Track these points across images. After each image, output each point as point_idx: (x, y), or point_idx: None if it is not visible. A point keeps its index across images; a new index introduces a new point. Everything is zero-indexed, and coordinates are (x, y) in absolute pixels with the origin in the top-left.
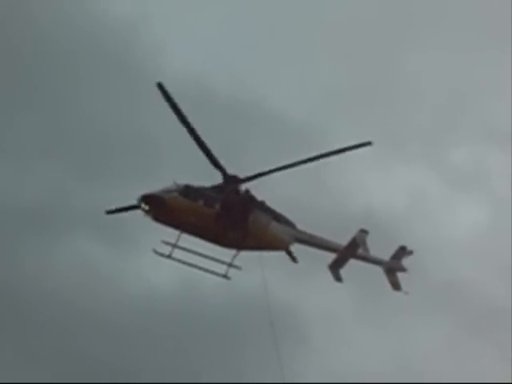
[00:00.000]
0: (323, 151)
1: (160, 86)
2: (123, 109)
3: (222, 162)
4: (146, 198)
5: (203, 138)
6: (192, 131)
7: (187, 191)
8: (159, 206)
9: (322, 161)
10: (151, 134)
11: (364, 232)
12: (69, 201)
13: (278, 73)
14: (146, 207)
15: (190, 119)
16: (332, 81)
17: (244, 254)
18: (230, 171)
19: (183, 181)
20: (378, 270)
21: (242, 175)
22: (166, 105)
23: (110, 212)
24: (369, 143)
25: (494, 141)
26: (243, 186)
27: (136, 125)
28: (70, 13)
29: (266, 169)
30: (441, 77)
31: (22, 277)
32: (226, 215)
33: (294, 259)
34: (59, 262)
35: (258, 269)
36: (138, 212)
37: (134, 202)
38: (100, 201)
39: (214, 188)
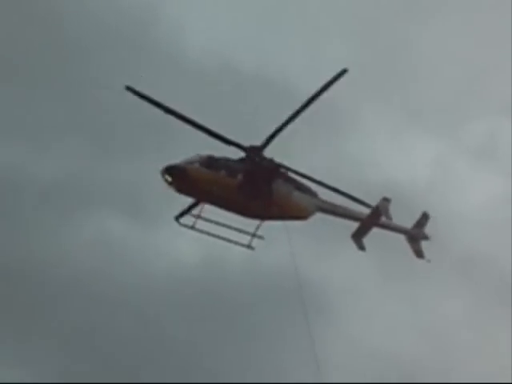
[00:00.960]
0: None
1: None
2: (144, 85)
3: (245, 137)
4: (169, 170)
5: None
6: (302, 109)
7: (210, 162)
8: (182, 177)
9: (344, 132)
10: (172, 106)
11: (386, 200)
12: (90, 176)
13: (300, 48)
14: (169, 178)
15: (212, 96)
16: (354, 56)
17: (266, 224)
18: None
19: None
20: (401, 238)
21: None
22: (185, 81)
23: (129, 89)
24: (373, 207)
25: (505, 116)
26: (265, 153)
27: (157, 96)
28: None
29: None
30: (458, 49)
31: (44, 252)
32: (249, 185)
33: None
34: (80, 237)
35: (280, 239)
36: (161, 184)
37: (152, 94)
38: (121, 176)
39: (238, 160)
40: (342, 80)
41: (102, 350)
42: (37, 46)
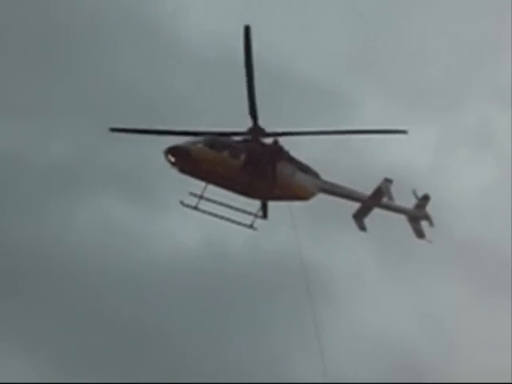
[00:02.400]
0: (357, 128)
1: (246, 29)
2: (145, 68)
3: (243, 122)
4: (172, 150)
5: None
6: (250, 76)
7: (213, 142)
8: (185, 158)
9: (344, 116)
10: (173, 91)
11: (388, 181)
12: (95, 158)
13: (300, 35)
14: (173, 159)
15: (212, 79)
16: (351, 41)
17: (269, 205)
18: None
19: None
20: (402, 219)
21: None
22: (186, 62)
23: (114, 130)
24: (404, 131)
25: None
26: (267, 140)
27: (157, 83)
28: None
29: (294, 129)
30: (457, 34)
31: (47, 233)
32: (252, 166)
33: (265, 215)
34: (84, 220)
35: (281, 219)
36: (164, 165)
37: (140, 125)
38: (125, 158)
39: (241, 141)
40: (342, 65)
41: (102, 332)
42: (41, 28)
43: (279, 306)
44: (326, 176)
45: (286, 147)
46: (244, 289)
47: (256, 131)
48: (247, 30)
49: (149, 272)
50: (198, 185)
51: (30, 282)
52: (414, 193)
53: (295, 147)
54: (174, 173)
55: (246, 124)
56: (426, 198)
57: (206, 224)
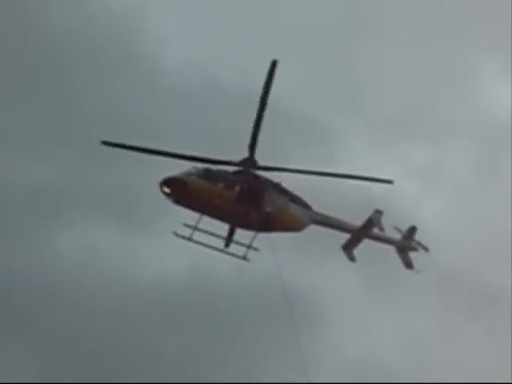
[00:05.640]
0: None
1: (273, 64)
2: (130, 95)
3: (226, 151)
4: (168, 181)
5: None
6: (262, 110)
7: (207, 174)
8: (181, 189)
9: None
10: (156, 121)
11: (379, 212)
12: (82, 186)
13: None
14: (168, 190)
15: (195, 109)
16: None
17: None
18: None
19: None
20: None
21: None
22: (168, 93)
23: (105, 143)
24: (390, 181)
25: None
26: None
27: (141, 111)
28: (76, 6)
29: (286, 166)
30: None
31: (32, 259)
32: (246, 197)
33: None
34: (69, 244)
35: (272, 250)
36: (152, 194)
37: (131, 142)
38: (111, 184)
39: (234, 172)
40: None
41: (88, 358)
42: (27, 56)
43: (265, 331)
44: (316, 207)
45: (278, 178)
46: (230, 315)
47: (249, 163)
48: (274, 64)
49: (134, 297)
50: (184, 212)
51: (13, 305)
52: (397, 228)
53: (286, 178)
54: (162, 199)
55: (227, 152)
56: (412, 230)
57: (192, 250)
